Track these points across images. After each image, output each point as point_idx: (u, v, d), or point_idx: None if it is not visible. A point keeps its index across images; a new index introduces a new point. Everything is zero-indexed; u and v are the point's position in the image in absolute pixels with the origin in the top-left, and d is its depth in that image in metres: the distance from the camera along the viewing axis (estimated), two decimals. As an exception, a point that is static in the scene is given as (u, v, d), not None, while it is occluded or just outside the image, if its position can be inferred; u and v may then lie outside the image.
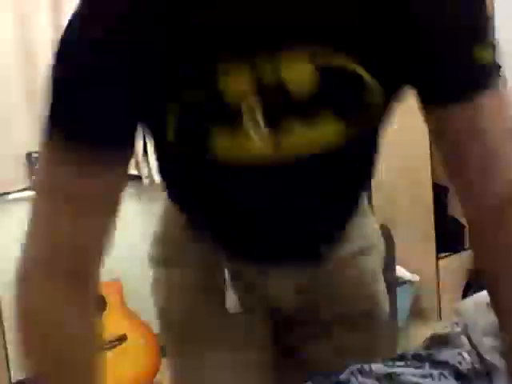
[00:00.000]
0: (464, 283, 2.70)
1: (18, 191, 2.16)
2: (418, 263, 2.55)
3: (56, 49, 0.59)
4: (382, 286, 0.92)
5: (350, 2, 0.58)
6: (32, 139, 2.07)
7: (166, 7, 0.57)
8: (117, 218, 0.64)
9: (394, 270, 2.12)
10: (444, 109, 0.60)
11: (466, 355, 0.73)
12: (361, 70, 0.59)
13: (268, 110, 0.61)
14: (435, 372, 0.70)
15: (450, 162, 0.64)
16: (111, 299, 2.11)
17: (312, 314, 0.88)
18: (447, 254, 2.67)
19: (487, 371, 0.71)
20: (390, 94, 0.64)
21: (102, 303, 2.08)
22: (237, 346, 0.86)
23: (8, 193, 2.17)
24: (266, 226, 0.74)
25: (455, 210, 2.75)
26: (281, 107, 0.61)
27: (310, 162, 0.65)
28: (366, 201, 0.89)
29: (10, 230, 1.98)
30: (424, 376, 0.70)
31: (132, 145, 0.63)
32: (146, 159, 2.24)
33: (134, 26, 0.56)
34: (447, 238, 2.66)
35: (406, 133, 2.17)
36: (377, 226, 0.94)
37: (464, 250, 2.74)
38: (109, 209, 0.64)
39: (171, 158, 0.71)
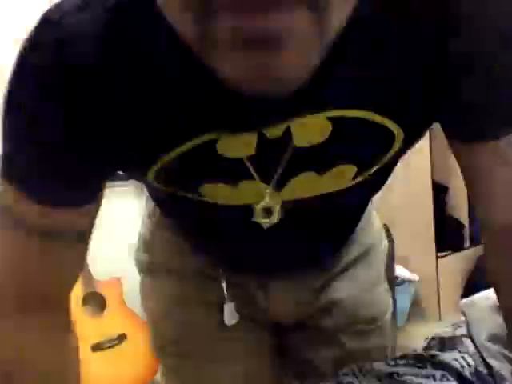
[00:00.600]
0: (464, 283, 2.70)
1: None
2: (417, 263, 2.55)
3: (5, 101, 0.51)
4: (383, 289, 0.91)
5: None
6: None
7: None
8: (88, 246, 0.61)
9: (394, 269, 2.12)
10: (477, 145, 0.55)
11: (469, 359, 0.73)
12: (382, 118, 0.53)
13: (272, 163, 0.55)
14: (438, 373, 0.70)
15: (476, 186, 0.59)
16: (111, 299, 2.10)
17: (313, 323, 0.86)
18: (447, 253, 2.67)
19: (491, 377, 0.70)
20: (414, 138, 0.59)
21: (101, 303, 2.08)
22: (236, 358, 0.84)
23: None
24: (264, 247, 0.70)
25: (455, 209, 2.75)
26: (288, 158, 0.55)
27: (316, 199, 0.60)
28: (370, 204, 0.87)
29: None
30: (426, 377, 0.69)
31: (95, 192, 0.58)
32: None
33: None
34: (447, 238, 2.66)
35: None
36: (380, 225, 0.92)
37: (464, 249, 2.74)
38: (81, 237, 0.60)
39: (155, 189, 0.66)
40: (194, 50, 0.40)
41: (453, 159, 0.61)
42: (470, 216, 2.72)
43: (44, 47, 0.49)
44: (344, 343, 0.86)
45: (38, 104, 0.50)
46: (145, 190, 0.75)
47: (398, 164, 0.65)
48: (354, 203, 0.72)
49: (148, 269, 0.87)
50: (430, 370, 0.72)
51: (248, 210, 0.60)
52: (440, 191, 2.66)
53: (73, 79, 0.49)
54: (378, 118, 0.52)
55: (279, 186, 0.57)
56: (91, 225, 0.60)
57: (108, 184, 0.60)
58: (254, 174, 0.56)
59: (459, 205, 2.73)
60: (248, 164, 0.55)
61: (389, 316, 0.91)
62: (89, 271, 2.03)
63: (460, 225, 2.75)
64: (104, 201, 0.61)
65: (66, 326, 0.64)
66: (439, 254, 2.61)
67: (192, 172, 0.56)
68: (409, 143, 0.58)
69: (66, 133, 0.51)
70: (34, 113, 0.51)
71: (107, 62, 0.48)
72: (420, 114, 0.55)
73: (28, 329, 0.60)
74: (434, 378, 0.69)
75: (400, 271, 2.40)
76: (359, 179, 0.59)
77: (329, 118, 0.51)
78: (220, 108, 0.50)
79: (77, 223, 0.58)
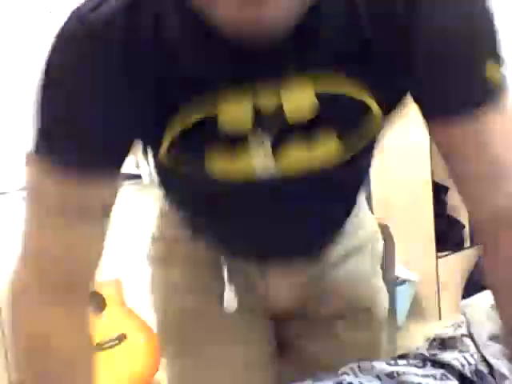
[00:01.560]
0: (464, 283, 2.70)
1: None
2: (417, 263, 2.55)
3: (42, 72, 0.58)
4: (379, 283, 0.92)
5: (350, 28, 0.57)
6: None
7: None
8: (110, 225, 0.65)
9: (394, 269, 2.12)
10: (450, 122, 0.58)
11: (470, 358, 0.73)
12: (361, 94, 0.58)
13: (267, 136, 0.61)
14: (438, 372, 0.70)
15: (454, 170, 0.62)
16: (111, 298, 2.10)
17: (311, 310, 0.88)
18: (447, 253, 2.67)
19: (492, 375, 0.70)
20: (391, 111, 0.63)
21: (101, 302, 2.09)
22: (236, 345, 0.86)
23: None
24: (265, 230, 0.74)
25: (455, 209, 2.75)
26: (280, 132, 0.61)
27: (309, 177, 0.64)
28: (363, 199, 0.89)
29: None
30: (426, 376, 0.70)
31: (122, 161, 0.63)
32: (146, 158, 2.23)
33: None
34: (447, 238, 2.66)
35: (405, 133, 2.17)
36: (375, 224, 0.94)
37: (464, 249, 2.74)
38: (101, 220, 0.64)
39: (166, 169, 0.71)
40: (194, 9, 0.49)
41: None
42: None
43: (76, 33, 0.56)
44: (339, 334, 0.88)
45: (78, 76, 0.57)
46: (156, 183, 0.80)
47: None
48: (345, 182, 0.74)
49: (156, 260, 0.90)
50: (430, 370, 0.72)
51: (250, 187, 0.64)
52: (440, 191, 2.66)
53: (104, 51, 0.56)
54: (353, 91, 0.58)
55: (274, 152, 0.62)
56: (113, 200, 0.64)
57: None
58: (252, 145, 0.61)
59: (459, 205, 2.73)
60: (248, 136, 0.60)
61: (383, 311, 0.92)
62: (89, 271, 2.03)
63: (460, 225, 2.75)
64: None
65: (87, 312, 0.67)
66: (439, 254, 2.61)
67: (196, 146, 0.62)
68: (386, 116, 0.63)
69: (90, 98, 0.58)
70: (79, 84, 0.57)
71: (128, 33, 0.56)
72: (391, 83, 0.59)
73: (55, 310, 0.62)
74: (435, 378, 0.69)
75: (400, 271, 2.41)
76: (347, 156, 0.63)
77: (316, 94, 0.57)
78: (217, 59, 0.57)
79: (101, 196, 0.62)
